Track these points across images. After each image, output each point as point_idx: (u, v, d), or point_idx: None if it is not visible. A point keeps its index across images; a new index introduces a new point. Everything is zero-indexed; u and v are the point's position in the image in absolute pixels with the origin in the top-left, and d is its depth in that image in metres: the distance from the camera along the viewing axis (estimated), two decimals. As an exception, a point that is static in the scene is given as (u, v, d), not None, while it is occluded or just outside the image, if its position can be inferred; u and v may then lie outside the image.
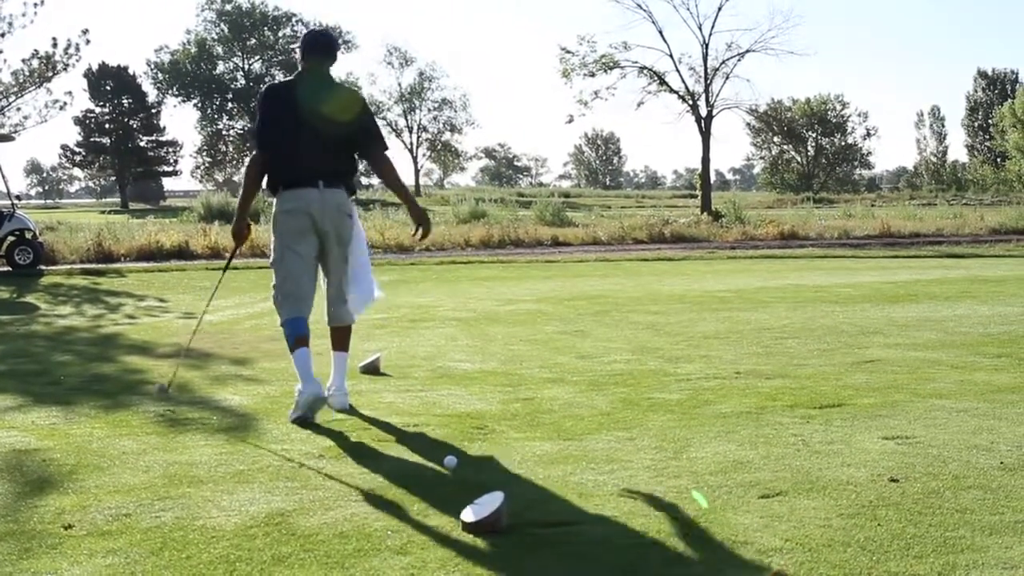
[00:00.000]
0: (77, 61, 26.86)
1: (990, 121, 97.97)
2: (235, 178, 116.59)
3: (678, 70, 49.26)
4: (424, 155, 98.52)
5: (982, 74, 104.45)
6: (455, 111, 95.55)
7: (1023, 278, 16.17)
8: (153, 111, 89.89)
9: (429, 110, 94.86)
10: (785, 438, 5.58)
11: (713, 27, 47.30)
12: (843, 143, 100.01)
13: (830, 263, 20.89)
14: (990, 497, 4.44)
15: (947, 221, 34.39)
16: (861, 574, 3.61)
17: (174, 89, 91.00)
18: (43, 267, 20.82)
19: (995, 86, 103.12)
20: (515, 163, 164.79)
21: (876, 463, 5.02)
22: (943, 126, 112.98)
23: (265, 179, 6.50)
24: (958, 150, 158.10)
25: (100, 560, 3.83)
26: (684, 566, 3.72)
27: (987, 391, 6.82)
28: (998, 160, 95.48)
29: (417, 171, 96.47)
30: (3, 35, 27.45)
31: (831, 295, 13.50)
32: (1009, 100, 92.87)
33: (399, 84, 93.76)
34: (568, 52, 46.60)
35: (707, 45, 47.08)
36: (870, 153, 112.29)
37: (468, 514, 4.15)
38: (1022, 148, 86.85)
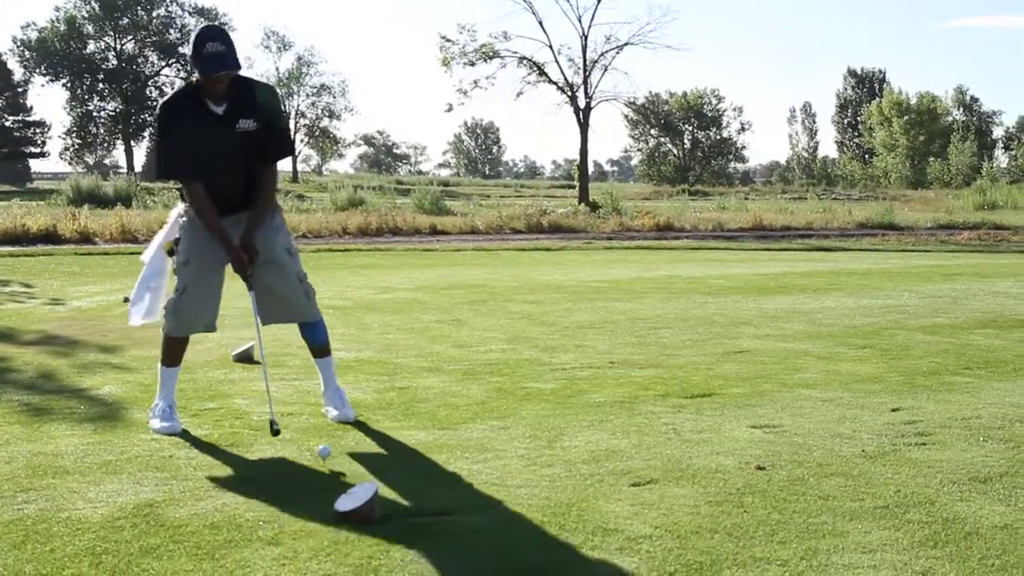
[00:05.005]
0: (-62, 37, 25.83)
1: (859, 118, 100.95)
2: (106, 161, 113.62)
3: (557, 61, 49.77)
4: (302, 141, 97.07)
5: (852, 72, 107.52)
6: (334, 97, 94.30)
7: (887, 272, 16.70)
8: (19, 90, 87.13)
9: (307, 95, 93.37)
10: (657, 427, 5.68)
11: (592, 19, 47.68)
12: (718, 137, 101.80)
13: (704, 255, 21.26)
14: (851, 484, 4.59)
15: (817, 215, 35.28)
16: (727, 560, 3.70)
17: (42, 68, 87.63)
18: (-100, 250, 20.01)
19: (864, 84, 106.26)
20: (394, 151, 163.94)
21: (744, 451, 5.14)
22: (814, 122, 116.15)
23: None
24: (828, 146, 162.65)
25: (-42, 554, 3.71)
26: (557, 553, 3.77)
27: (851, 381, 7.04)
28: (866, 156, 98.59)
29: (295, 157, 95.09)
30: None
31: (704, 286, 13.75)
32: (877, 98, 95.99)
33: (276, 69, 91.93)
34: (448, 40, 46.51)
35: (586, 37, 47.47)
36: (744, 147, 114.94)
37: (341, 504, 4.13)
38: (888, 145, 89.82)
